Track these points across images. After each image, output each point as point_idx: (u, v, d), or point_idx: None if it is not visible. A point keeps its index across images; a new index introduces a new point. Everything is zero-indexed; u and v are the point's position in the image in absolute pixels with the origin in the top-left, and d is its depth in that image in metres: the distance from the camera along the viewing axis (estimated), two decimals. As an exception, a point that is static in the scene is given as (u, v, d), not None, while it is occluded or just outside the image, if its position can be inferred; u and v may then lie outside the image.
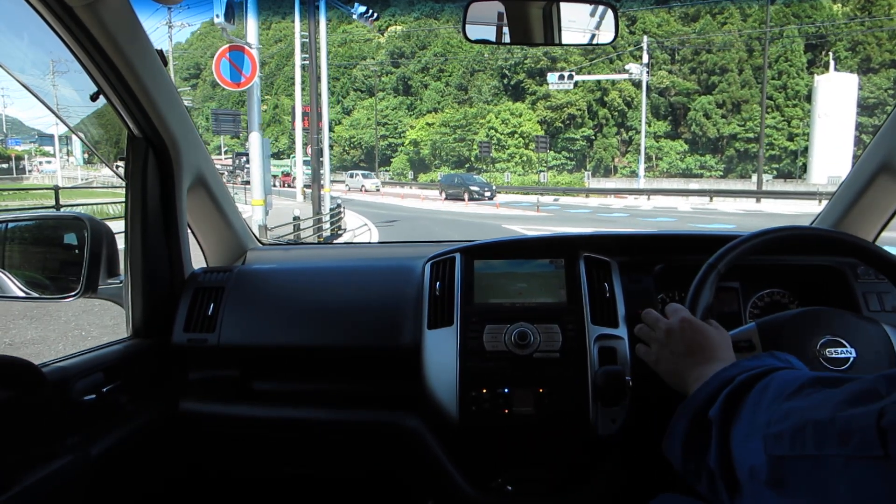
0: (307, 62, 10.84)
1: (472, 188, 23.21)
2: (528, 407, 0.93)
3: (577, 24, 1.04)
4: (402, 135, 41.46)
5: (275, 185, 29.87)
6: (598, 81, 33.43)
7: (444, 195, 24.04)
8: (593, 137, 34.87)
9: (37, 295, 1.01)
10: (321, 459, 1.14)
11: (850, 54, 30.25)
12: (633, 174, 30.74)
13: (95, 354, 0.94)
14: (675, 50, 33.99)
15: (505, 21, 1.04)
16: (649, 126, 32.94)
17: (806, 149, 28.23)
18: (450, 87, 40.94)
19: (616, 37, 1.01)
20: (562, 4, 1.00)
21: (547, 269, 1.05)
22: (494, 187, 24.15)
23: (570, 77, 27.12)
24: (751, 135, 31.41)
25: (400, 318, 1.04)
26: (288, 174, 29.27)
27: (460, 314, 0.99)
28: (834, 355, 0.76)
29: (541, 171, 31.51)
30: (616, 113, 34.51)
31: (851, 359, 0.76)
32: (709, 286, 0.78)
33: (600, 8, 1.01)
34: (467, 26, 1.04)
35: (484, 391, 0.94)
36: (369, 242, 1.77)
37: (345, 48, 46.05)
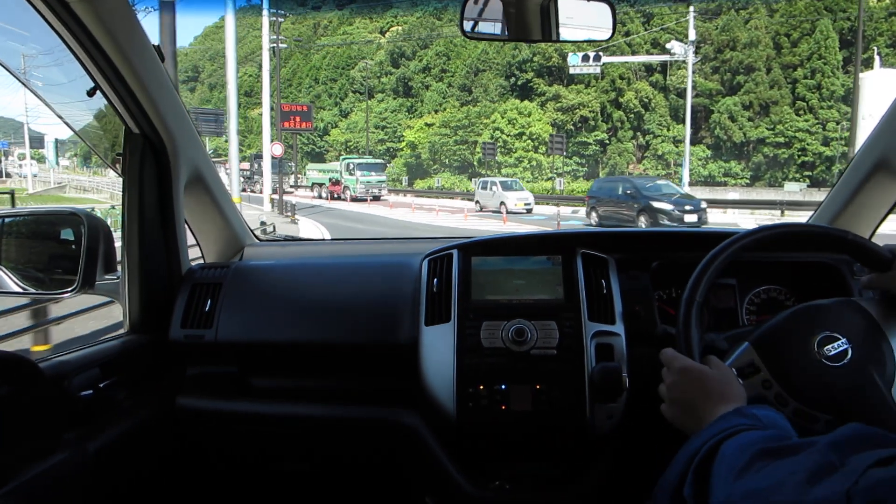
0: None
1: (661, 206, 13.42)
2: (526, 403, 1.02)
3: (574, 21, 1.13)
4: (401, 138, 41.59)
5: (320, 196, 27.17)
6: (613, 81, 33.58)
7: (595, 215, 15.27)
8: (607, 142, 35.00)
9: (34, 290, 1.10)
10: (318, 456, 1.22)
11: (892, 51, 30.33)
12: (652, 181, 30.66)
13: (92, 350, 1.02)
14: (697, 47, 34.27)
15: (502, 17, 1.14)
16: (667, 130, 32.82)
17: (844, 154, 28.20)
18: (452, 88, 41.13)
19: (613, 34, 1.11)
20: (559, 1, 1.10)
21: (544, 265, 1.14)
22: (704, 205, 14.24)
23: (597, 58, 23.24)
24: (781, 139, 31.40)
25: (397, 315, 1.13)
26: (338, 182, 26.85)
27: (457, 311, 1.08)
28: (833, 352, 0.82)
29: (553, 177, 29.72)
30: (632, 115, 34.61)
31: (849, 350, 0.81)
32: (694, 322, 0.83)
33: (598, 4, 1.10)
34: (465, 22, 1.14)
35: (481, 388, 1.02)
36: (367, 238, 1.87)
37: (344, 49, 46.78)
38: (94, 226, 1.04)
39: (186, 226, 1.25)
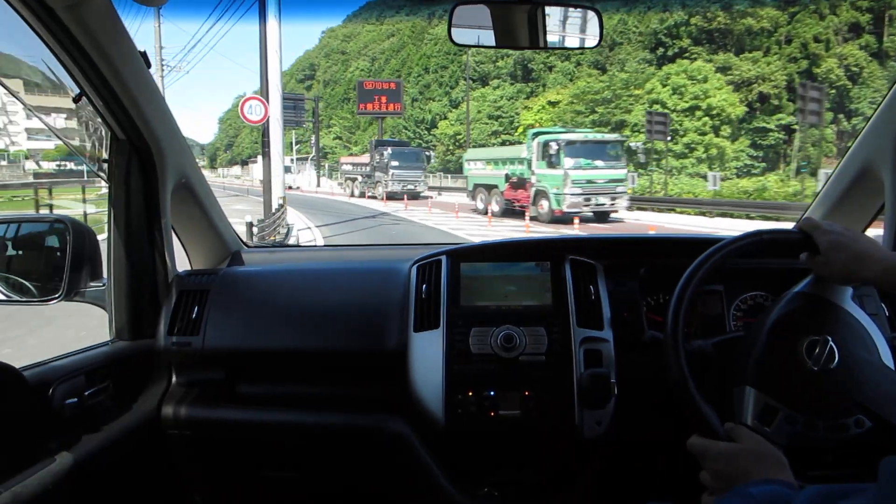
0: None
1: None
2: (514, 410, 1.16)
3: (561, 28, 1.20)
4: (518, 128, 38.94)
5: (478, 210, 17.90)
6: (805, 45, 29.83)
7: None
8: (795, 127, 31.50)
9: (18, 298, 1.28)
10: (307, 463, 1.40)
11: None
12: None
13: (77, 358, 1.20)
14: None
15: (490, 24, 1.24)
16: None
17: None
18: (581, 67, 39.58)
19: (601, 41, 1.17)
20: (546, 9, 1.17)
21: (533, 271, 1.28)
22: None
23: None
24: None
25: (386, 321, 1.29)
26: (522, 182, 17.37)
27: (446, 317, 1.24)
28: (822, 356, 0.90)
29: (803, 170, 20.72)
30: (832, 92, 30.72)
31: (836, 350, 0.90)
32: (681, 328, 0.93)
33: (585, 12, 1.16)
34: (453, 29, 1.26)
35: (470, 394, 1.18)
36: (356, 245, 2.03)
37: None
38: (80, 233, 1.23)
39: (173, 232, 1.44)
